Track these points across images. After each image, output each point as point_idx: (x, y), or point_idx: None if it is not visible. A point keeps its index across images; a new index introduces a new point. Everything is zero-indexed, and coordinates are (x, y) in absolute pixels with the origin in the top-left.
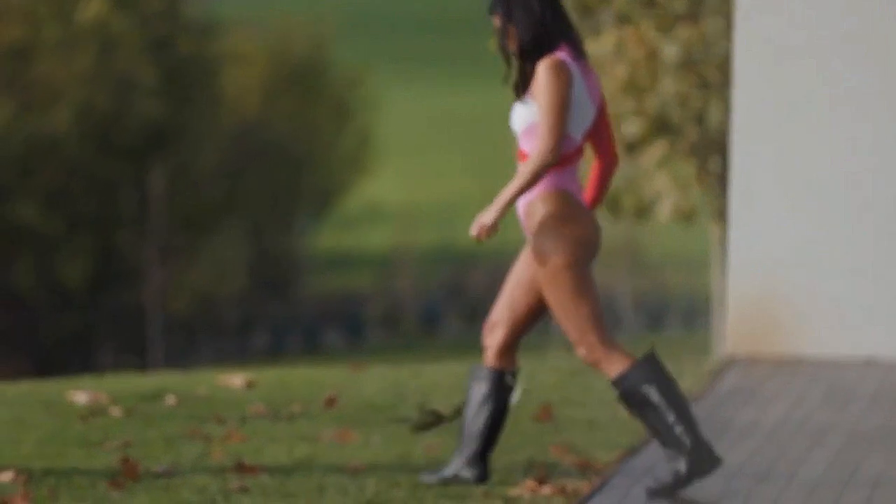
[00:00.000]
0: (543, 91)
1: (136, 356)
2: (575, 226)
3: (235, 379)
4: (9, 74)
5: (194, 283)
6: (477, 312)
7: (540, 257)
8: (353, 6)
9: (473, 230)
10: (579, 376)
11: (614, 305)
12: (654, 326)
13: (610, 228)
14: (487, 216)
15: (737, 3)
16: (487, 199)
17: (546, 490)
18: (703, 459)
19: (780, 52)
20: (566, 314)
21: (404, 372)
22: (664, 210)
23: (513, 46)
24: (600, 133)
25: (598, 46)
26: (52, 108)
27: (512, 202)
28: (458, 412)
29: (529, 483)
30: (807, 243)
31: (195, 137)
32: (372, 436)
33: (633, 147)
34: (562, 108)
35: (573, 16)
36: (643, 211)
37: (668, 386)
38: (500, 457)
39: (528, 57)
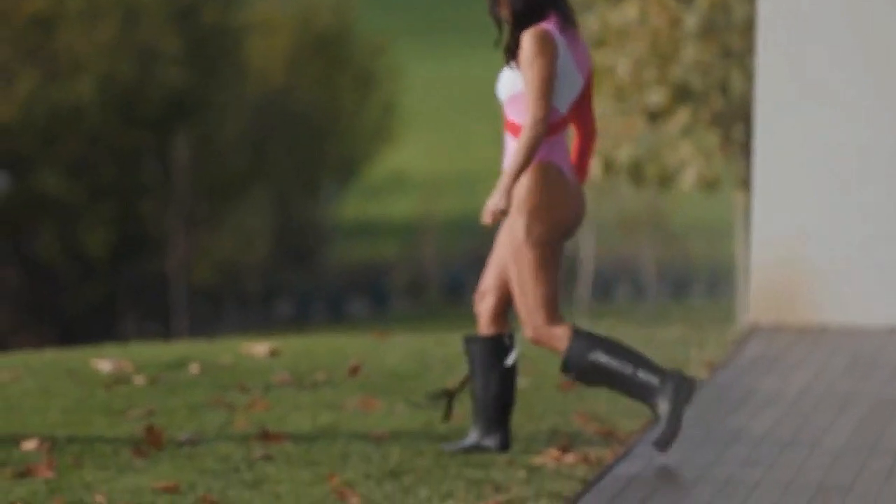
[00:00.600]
0: (529, 62)
1: (159, 325)
2: (552, 202)
3: (259, 347)
4: (32, 44)
5: (218, 252)
6: None
7: (512, 229)
8: None
9: (486, 217)
10: None
11: (637, 274)
12: (678, 295)
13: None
14: (495, 200)
15: None
16: None
17: (569, 458)
18: (677, 387)
19: (803, 19)
20: (521, 290)
21: (428, 340)
22: (688, 179)
23: (504, 13)
24: (582, 105)
25: (621, 15)
26: (75, 78)
27: (516, 179)
28: (465, 383)
29: (553, 451)
30: (831, 212)
31: (219, 107)
32: (396, 404)
33: (657, 116)
34: (548, 79)
35: None
36: (666, 180)
37: (609, 343)
38: (524, 425)
39: (519, 24)
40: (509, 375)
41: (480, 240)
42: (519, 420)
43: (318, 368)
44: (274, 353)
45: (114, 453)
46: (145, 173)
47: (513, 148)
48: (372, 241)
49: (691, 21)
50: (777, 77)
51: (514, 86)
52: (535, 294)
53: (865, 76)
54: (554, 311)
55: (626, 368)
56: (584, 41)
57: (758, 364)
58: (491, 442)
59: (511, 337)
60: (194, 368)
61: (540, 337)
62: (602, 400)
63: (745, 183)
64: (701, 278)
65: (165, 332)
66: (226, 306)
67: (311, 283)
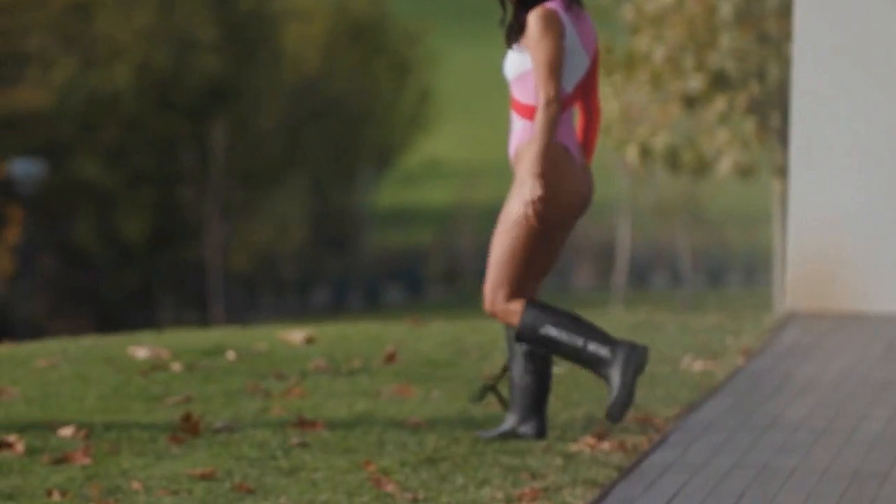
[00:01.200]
0: (535, 42)
1: (196, 312)
2: (558, 182)
3: (296, 334)
4: (69, 32)
5: (255, 239)
6: None
7: (510, 202)
8: None
9: (527, 210)
10: (639, 332)
11: (674, 262)
12: (714, 282)
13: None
14: (528, 190)
15: None
16: None
17: (606, 446)
18: (628, 357)
19: (840, 5)
20: (497, 261)
21: (464, 327)
22: (724, 166)
23: None
24: (588, 84)
25: (657, 3)
26: (112, 66)
27: (542, 164)
28: (505, 370)
29: (589, 439)
30: (867, 198)
31: (255, 94)
32: (432, 391)
33: (693, 102)
34: (556, 59)
35: None
36: (703, 167)
37: (560, 317)
38: (560, 412)
39: (524, 4)
40: (546, 362)
41: None
42: (555, 407)
43: (354, 355)
44: (310, 340)
45: (150, 440)
46: (182, 160)
47: (519, 127)
48: (407, 228)
49: (726, 8)
50: (813, 64)
51: (521, 65)
52: (507, 271)
53: None
54: (517, 290)
55: (577, 341)
56: (591, 19)
57: (794, 351)
58: (527, 429)
59: None
60: (231, 355)
61: (496, 312)
62: (638, 387)
63: (782, 170)
64: (737, 266)
65: (202, 319)
66: (262, 293)
67: (347, 271)
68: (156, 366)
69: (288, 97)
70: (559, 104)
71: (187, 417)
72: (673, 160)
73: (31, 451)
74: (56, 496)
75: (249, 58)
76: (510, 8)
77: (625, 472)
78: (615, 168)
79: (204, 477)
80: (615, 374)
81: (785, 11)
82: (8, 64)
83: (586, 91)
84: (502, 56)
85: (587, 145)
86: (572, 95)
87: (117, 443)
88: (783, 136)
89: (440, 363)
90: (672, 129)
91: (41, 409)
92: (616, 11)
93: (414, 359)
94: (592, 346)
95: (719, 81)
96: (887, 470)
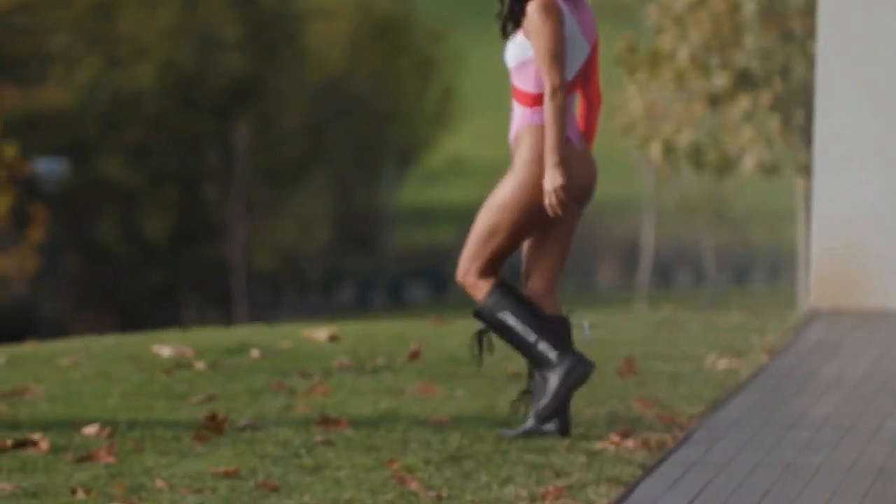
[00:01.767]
0: (537, 32)
1: (220, 311)
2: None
3: (319, 332)
4: (93, 31)
5: (278, 237)
6: None
7: (503, 185)
8: None
9: (552, 201)
10: (663, 330)
11: (698, 260)
12: (739, 281)
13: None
14: (550, 181)
15: None
16: None
17: (630, 443)
18: (571, 369)
19: (864, 3)
20: (477, 235)
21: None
22: (748, 164)
23: None
24: (588, 72)
25: (681, 1)
26: (135, 65)
27: (560, 153)
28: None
29: (613, 437)
30: (891, 196)
31: (279, 92)
32: (455, 389)
33: (717, 100)
34: (557, 47)
35: None
36: (727, 165)
37: (521, 308)
38: (584, 410)
39: None
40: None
41: None
42: (579, 405)
43: (378, 353)
44: (334, 339)
45: (174, 438)
46: (205, 159)
47: (518, 115)
48: (431, 226)
49: (750, 6)
50: (837, 62)
51: (521, 53)
52: (485, 248)
53: None
54: (491, 268)
55: (529, 336)
56: (589, 6)
57: (819, 349)
58: (551, 427)
59: (567, 316)
60: (255, 353)
61: (466, 284)
62: (663, 385)
63: (806, 168)
64: (762, 264)
65: (226, 317)
66: (286, 292)
67: (371, 269)
68: (179, 364)
69: (311, 96)
70: (565, 92)
71: (211, 416)
72: (697, 158)
73: (55, 450)
74: (80, 494)
75: (273, 56)
76: (507, 1)
77: (649, 470)
78: (639, 166)
79: (228, 475)
80: (553, 380)
81: (809, 9)
82: (32, 63)
83: (586, 78)
84: None
85: (588, 132)
86: (573, 83)
87: (141, 441)
88: (807, 134)
89: (464, 361)
90: (696, 127)
91: (65, 407)
92: (640, 11)
93: (437, 357)
94: (542, 346)
95: (743, 79)
96: None
